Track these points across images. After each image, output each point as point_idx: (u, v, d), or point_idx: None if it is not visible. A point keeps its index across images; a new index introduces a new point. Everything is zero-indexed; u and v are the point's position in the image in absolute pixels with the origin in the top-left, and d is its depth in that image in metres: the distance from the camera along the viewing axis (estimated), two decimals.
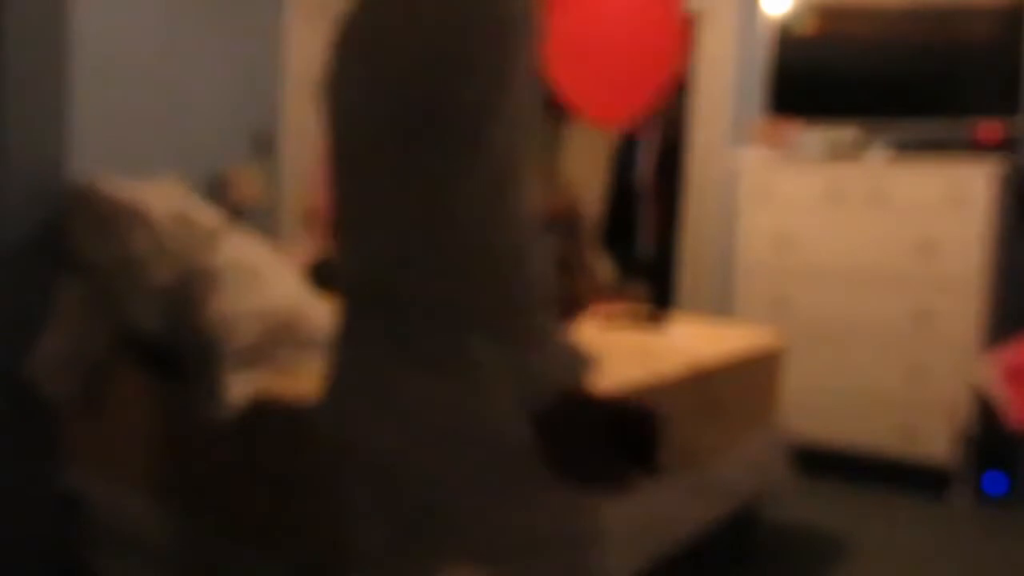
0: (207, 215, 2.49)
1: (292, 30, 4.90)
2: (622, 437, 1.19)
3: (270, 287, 2.27)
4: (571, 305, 3.80)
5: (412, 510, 1.26)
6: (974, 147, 3.95)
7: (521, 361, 1.17)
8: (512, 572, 1.27)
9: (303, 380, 2.14)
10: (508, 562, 1.27)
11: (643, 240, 5.12)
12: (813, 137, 4.20)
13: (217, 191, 4.52)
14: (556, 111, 5.72)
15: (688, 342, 2.97)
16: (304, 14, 4.96)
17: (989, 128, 3.96)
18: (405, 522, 1.28)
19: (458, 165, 1.17)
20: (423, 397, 1.21)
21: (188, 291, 2.21)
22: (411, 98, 1.18)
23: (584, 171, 5.60)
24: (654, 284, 5.18)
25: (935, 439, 3.86)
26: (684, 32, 2.03)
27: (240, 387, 2.09)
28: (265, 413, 2.07)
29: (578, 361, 1.26)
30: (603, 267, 5.32)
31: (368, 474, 1.32)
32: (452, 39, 1.15)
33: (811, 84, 4.36)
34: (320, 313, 2.39)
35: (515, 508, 1.24)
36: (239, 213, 4.43)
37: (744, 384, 3.00)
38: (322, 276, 3.53)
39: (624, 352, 2.72)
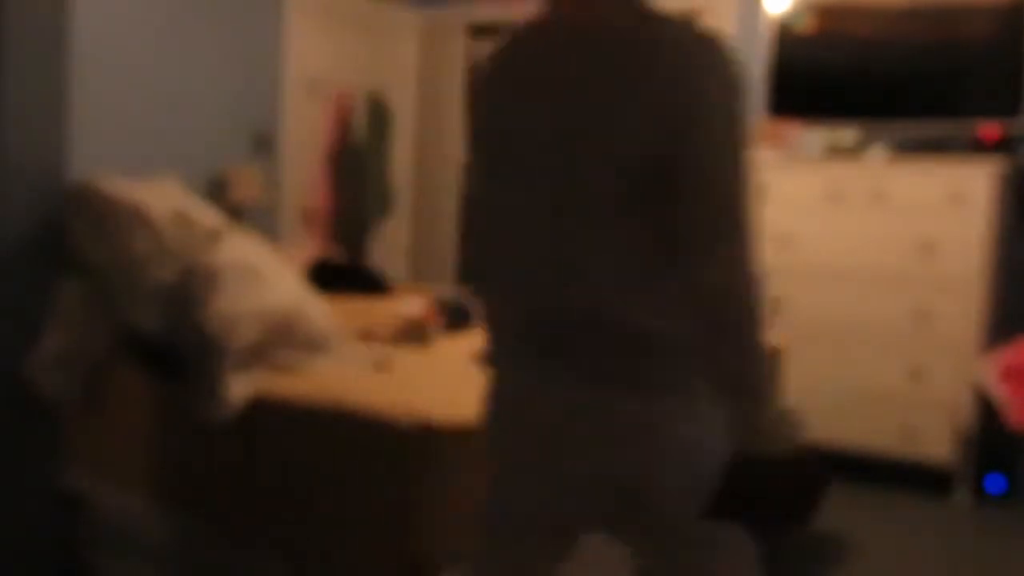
0: (207, 215, 2.49)
1: (292, 30, 4.90)
2: (795, 491, 1.26)
3: (270, 287, 2.27)
4: None
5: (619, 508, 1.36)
6: (974, 147, 3.95)
7: (748, 410, 1.24)
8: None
9: (303, 380, 2.14)
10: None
11: None
12: (813, 137, 4.20)
13: (217, 191, 4.52)
14: None
15: None
16: (304, 14, 4.96)
17: (989, 128, 3.96)
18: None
19: (695, 213, 1.25)
20: (649, 415, 1.32)
21: (188, 291, 2.21)
22: (647, 146, 1.26)
23: None
24: None
25: (935, 439, 3.86)
26: None
27: (240, 387, 2.09)
28: (265, 413, 2.07)
29: (797, 423, 1.43)
30: None
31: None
32: (697, 91, 1.24)
33: (811, 84, 4.36)
34: (320, 313, 2.39)
35: (698, 526, 1.35)
36: (239, 213, 4.44)
37: None
38: (322, 276, 3.54)
39: None
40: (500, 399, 1.44)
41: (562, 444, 1.35)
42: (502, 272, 1.43)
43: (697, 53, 1.26)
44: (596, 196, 1.32)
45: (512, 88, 1.40)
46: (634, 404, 1.32)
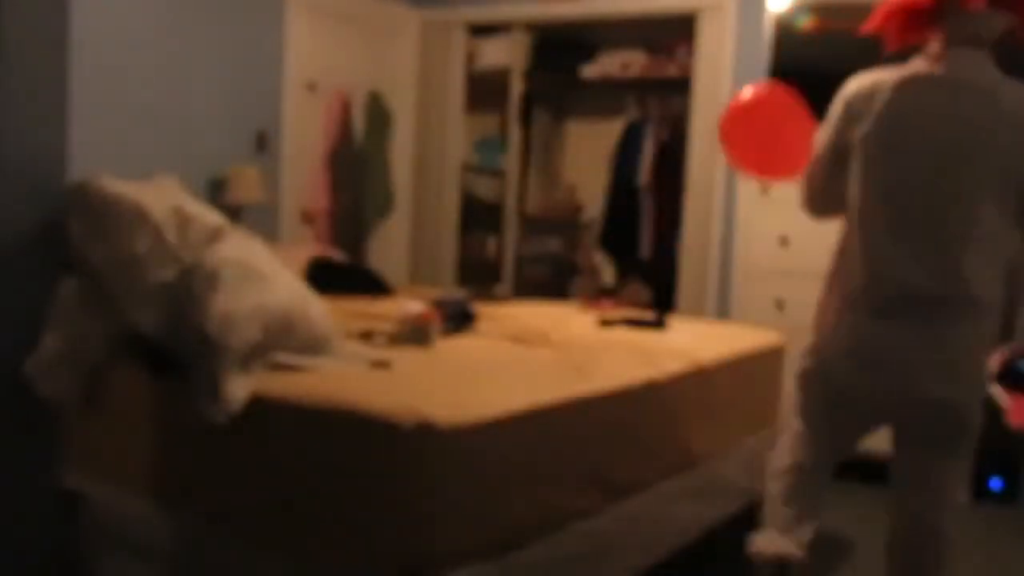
0: (207, 215, 2.49)
1: (292, 30, 4.90)
2: None
3: (270, 287, 2.27)
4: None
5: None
6: None
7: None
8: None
9: (303, 380, 2.14)
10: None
11: (643, 240, 5.12)
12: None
13: (217, 191, 4.52)
14: (556, 110, 5.73)
15: (689, 342, 2.97)
16: (304, 14, 4.96)
17: None
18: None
19: (1008, 211, 2.10)
20: (963, 346, 2.11)
21: (188, 290, 2.21)
22: (993, 163, 2.09)
23: (584, 171, 5.60)
24: (654, 284, 5.18)
25: None
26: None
27: (240, 387, 2.09)
28: (265, 413, 2.07)
29: None
30: (604, 267, 5.33)
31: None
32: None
33: (811, 84, 4.35)
34: (320, 313, 2.39)
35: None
36: (239, 213, 4.43)
37: (745, 384, 3.00)
38: (322, 276, 3.53)
39: (625, 352, 2.71)
40: (855, 335, 2.20)
41: (908, 370, 2.11)
42: (883, 252, 2.14)
43: None
44: (968, 202, 2.08)
45: (908, 116, 2.14)
46: (957, 351, 2.10)
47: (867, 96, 2.22)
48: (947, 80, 2.13)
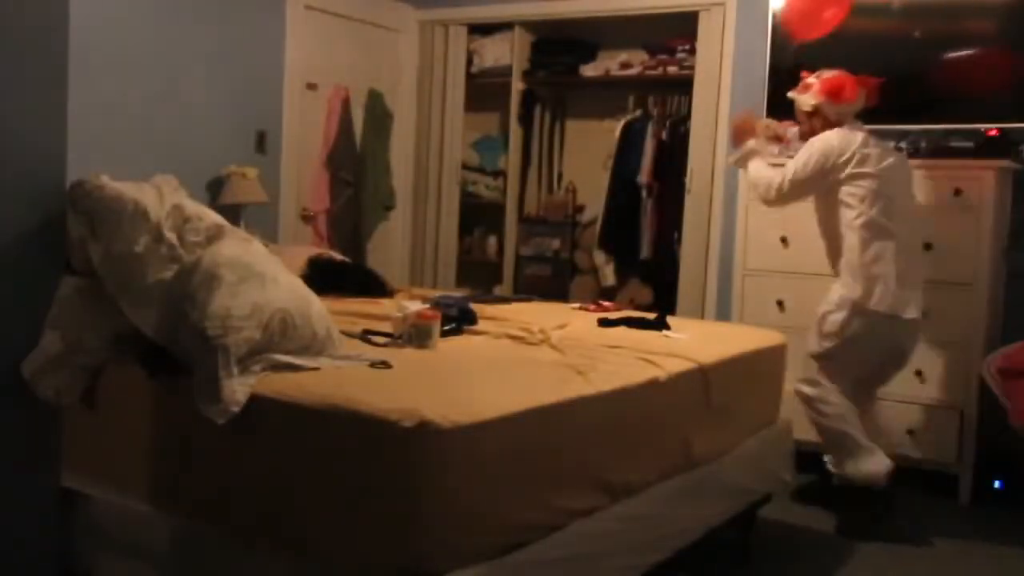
0: (207, 215, 2.49)
1: (292, 30, 4.90)
2: None
3: (270, 287, 2.27)
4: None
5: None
6: (976, 147, 3.94)
7: None
8: None
9: (303, 380, 2.13)
10: None
11: (643, 240, 5.11)
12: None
13: (217, 191, 4.52)
14: (556, 111, 5.72)
15: (689, 342, 2.97)
16: (304, 14, 4.96)
17: (991, 128, 3.96)
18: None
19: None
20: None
21: (187, 290, 2.21)
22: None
23: (584, 171, 5.60)
24: (654, 284, 5.18)
25: (937, 439, 3.86)
26: None
27: (240, 387, 2.08)
28: (265, 413, 2.07)
29: None
30: (604, 267, 5.32)
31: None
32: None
33: None
34: (320, 313, 2.38)
35: None
36: (239, 213, 4.43)
37: (746, 385, 3.00)
38: (322, 276, 3.53)
39: (625, 352, 2.71)
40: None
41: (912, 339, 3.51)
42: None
43: None
44: None
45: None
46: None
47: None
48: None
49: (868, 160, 3.38)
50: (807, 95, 3.60)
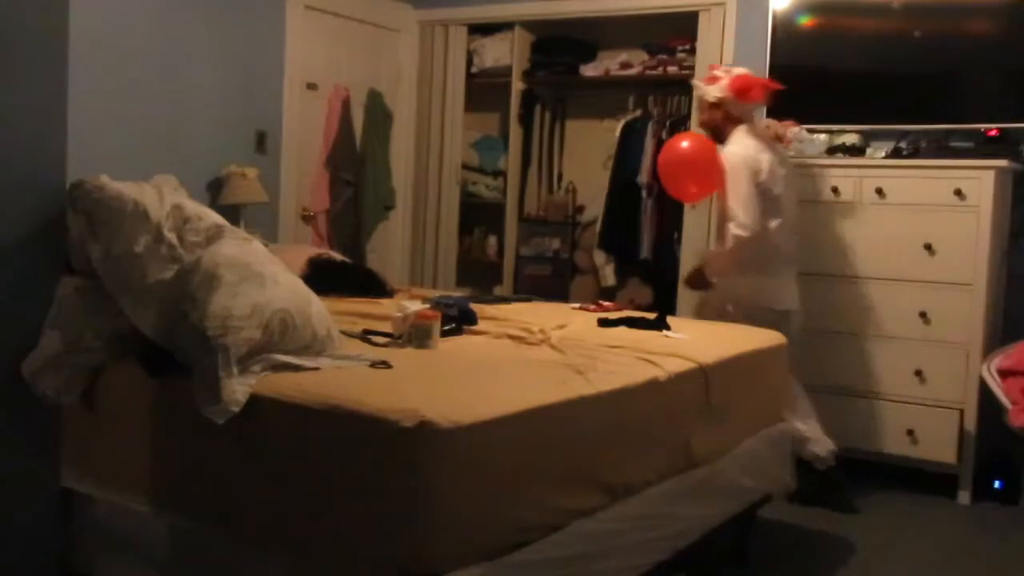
0: (207, 214, 2.49)
1: (292, 30, 4.90)
2: None
3: (269, 287, 2.27)
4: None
5: None
6: (976, 147, 3.95)
7: None
8: None
9: (303, 380, 2.13)
10: None
11: (643, 240, 5.11)
12: (814, 137, 4.19)
13: (217, 191, 4.52)
14: (556, 111, 5.72)
15: (689, 342, 2.96)
16: (304, 14, 4.96)
17: (991, 127, 3.96)
18: None
19: None
20: None
21: (187, 290, 2.21)
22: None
23: (584, 171, 5.60)
24: (654, 284, 5.18)
25: (937, 439, 3.86)
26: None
27: (240, 387, 2.08)
28: (265, 413, 2.07)
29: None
30: (604, 267, 5.32)
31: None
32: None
33: (812, 83, 4.35)
34: (320, 313, 2.38)
35: None
36: (239, 213, 4.43)
37: (746, 385, 3.00)
38: (322, 276, 3.53)
39: (625, 352, 2.71)
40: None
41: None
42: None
43: None
44: None
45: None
46: None
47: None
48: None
49: (776, 180, 3.67)
50: (714, 87, 3.79)
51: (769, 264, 3.70)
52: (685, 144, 3.83)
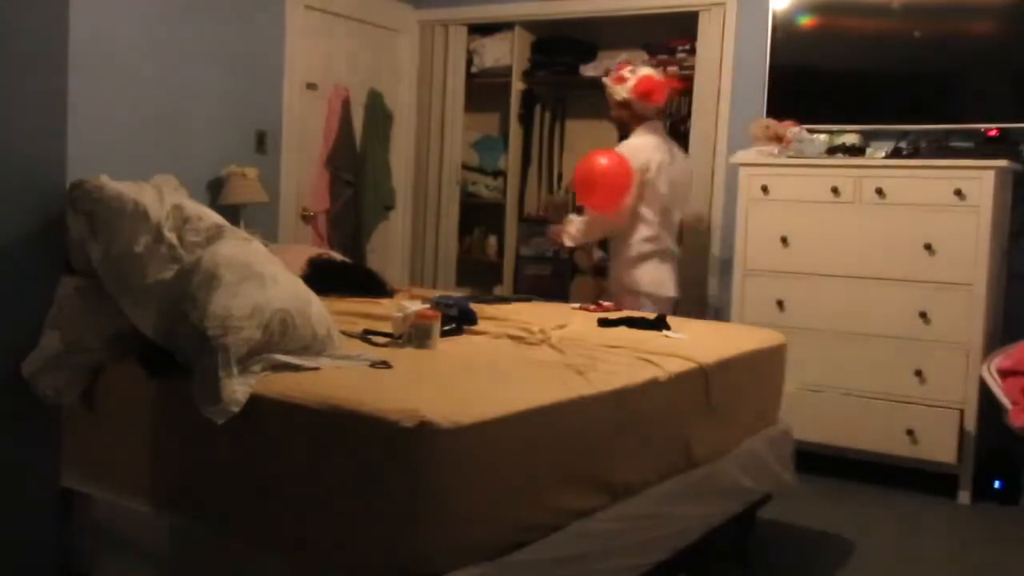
0: (206, 214, 2.49)
1: (292, 30, 4.89)
2: None
3: (269, 287, 2.27)
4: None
5: None
6: (975, 146, 3.95)
7: None
8: None
9: (302, 380, 2.13)
10: None
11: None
12: (814, 137, 4.19)
13: (217, 191, 4.52)
14: (556, 112, 5.72)
15: (689, 342, 2.96)
16: (304, 14, 4.96)
17: (991, 127, 3.96)
18: None
19: None
20: None
21: (187, 290, 2.21)
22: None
23: None
24: None
25: (936, 439, 3.86)
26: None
27: (240, 387, 2.08)
28: (265, 413, 2.07)
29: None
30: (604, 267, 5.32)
31: None
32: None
33: (812, 83, 4.35)
34: (320, 313, 2.38)
35: None
36: (239, 213, 4.43)
37: (746, 385, 3.00)
38: (322, 276, 3.53)
39: (625, 351, 2.71)
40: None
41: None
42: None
43: None
44: None
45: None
46: None
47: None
48: None
49: (660, 178, 4.04)
50: (620, 87, 4.10)
51: (665, 256, 4.16)
52: (603, 161, 4.06)
